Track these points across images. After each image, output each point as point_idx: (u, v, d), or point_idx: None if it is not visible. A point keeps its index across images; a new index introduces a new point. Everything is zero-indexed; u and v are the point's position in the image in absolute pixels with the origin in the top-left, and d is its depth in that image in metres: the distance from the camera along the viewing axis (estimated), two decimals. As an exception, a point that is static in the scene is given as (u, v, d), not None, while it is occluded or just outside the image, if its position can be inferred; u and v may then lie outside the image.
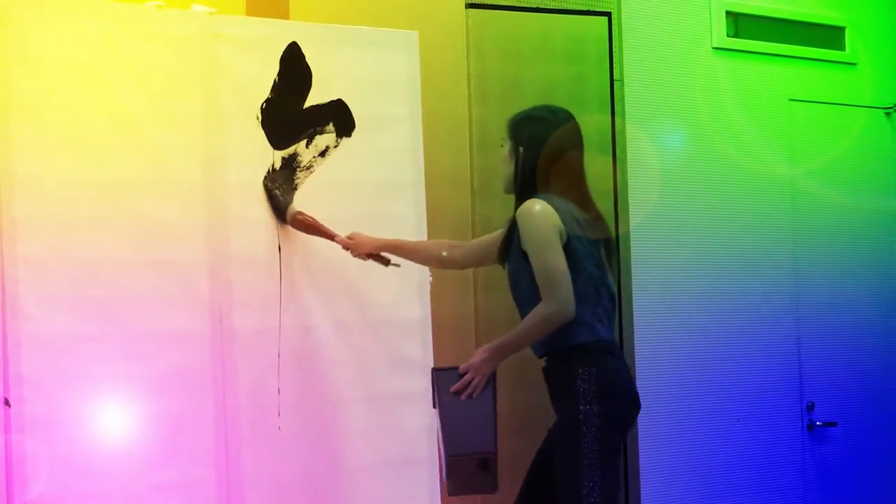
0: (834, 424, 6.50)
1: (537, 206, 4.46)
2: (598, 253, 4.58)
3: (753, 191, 6.35)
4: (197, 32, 4.50)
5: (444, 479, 4.50)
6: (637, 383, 5.47)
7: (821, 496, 6.43)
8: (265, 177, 4.60)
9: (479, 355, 4.50)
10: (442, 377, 4.51)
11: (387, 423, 4.76)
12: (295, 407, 4.58)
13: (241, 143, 4.57)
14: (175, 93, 4.43)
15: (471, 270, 5.44)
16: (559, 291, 4.39)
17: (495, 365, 4.52)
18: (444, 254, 4.84)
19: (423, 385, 4.68)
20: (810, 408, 6.46)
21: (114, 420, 4.23)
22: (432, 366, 4.74)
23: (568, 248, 4.46)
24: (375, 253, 4.74)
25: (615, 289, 4.68)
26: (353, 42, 4.85)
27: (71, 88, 4.23)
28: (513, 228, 4.55)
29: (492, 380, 4.52)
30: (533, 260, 4.45)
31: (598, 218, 4.65)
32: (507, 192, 4.73)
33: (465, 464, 4.45)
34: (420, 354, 4.84)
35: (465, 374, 4.49)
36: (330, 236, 4.69)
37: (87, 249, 4.21)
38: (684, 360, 6.05)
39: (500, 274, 4.79)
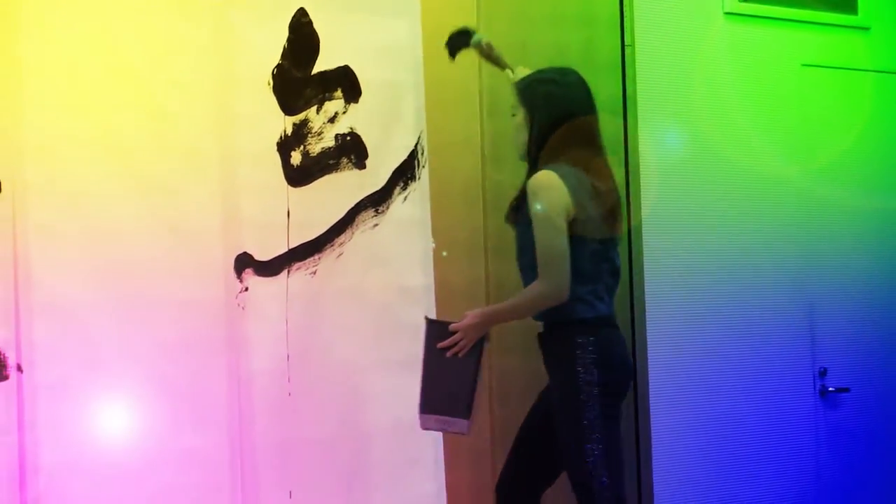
0: (846, 390, 6.52)
1: (547, 180, 4.50)
2: (605, 226, 4.61)
3: (766, 156, 6.32)
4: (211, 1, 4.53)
5: (418, 415, 4.60)
6: (649, 353, 5.55)
7: (833, 459, 6.43)
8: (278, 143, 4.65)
9: (470, 318, 4.58)
10: (434, 328, 4.60)
11: (392, 388, 4.78)
12: (303, 372, 4.62)
13: (253, 108, 4.60)
14: (186, 59, 4.46)
15: (481, 237, 5.46)
16: (555, 274, 4.47)
17: (484, 330, 4.60)
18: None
19: None
20: (822, 374, 6.47)
21: (126, 386, 4.27)
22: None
23: (574, 223, 4.50)
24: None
25: (620, 261, 4.73)
26: (357, 8, 4.87)
27: (82, 54, 4.25)
28: (524, 195, 4.59)
29: (479, 344, 4.60)
30: (536, 235, 4.50)
31: (610, 189, 4.68)
32: (522, 159, 4.77)
33: (436, 421, 4.59)
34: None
35: (455, 332, 4.57)
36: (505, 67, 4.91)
37: (98, 216, 4.24)
38: (696, 330, 6.06)
39: (510, 240, 4.83)
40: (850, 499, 6.45)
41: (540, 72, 4.81)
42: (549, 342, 4.65)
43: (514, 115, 4.77)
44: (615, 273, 4.70)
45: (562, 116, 4.64)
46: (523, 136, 4.72)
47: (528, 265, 4.60)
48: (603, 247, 4.61)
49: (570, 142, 4.61)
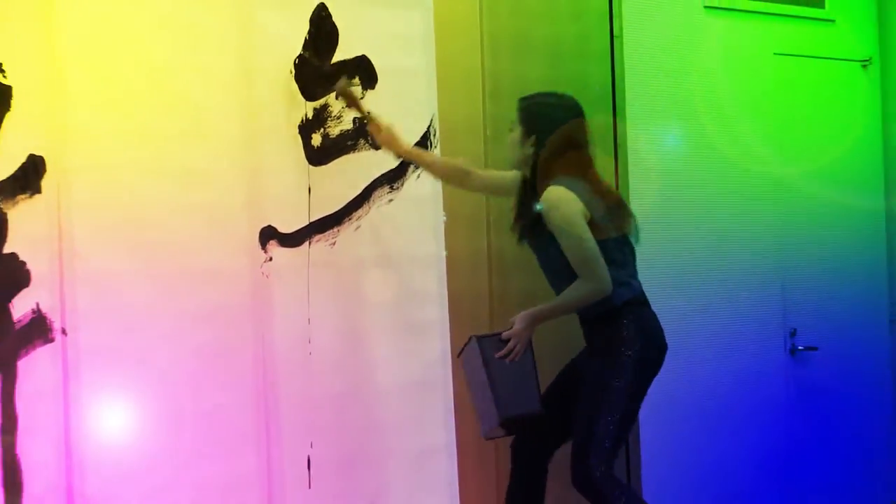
0: (815, 349, 6.50)
1: (559, 196, 4.51)
2: (615, 218, 4.63)
3: (742, 138, 6.28)
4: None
5: (487, 432, 4.59)
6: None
7: (801, 410, 6.40)
8: (299, 125, 4.58)
9: (519, 322, 4.57)
10: (485, 343, 4.57)
11: (405, 351, 4.76)
12: (323, 335, 4.56)
13: (276, 95, 4.54)
14: (215, 51, 4.39)
15: (484, 210, 5.39)
16: (597, 272, 4.47)
17: (533, 331, 4.58)
18: (463, 167, 4.83)
19: (438, 315, 4.77)
20: (793, 334, 6.44)
21: (160, 348, 4.22)
22: (446, 296, 4.79)
23: (592, 224, 4.49)
24: (400, 153, 4.69)
25: (635, 244, 4.77)
26: (373, 2, 4.81)
27: (116, 46, 4.18)
28: (537, 213, 4.58)
29: (529, 343, 4.58)
30: (564, 244, 4.51)
31: (608, 190, 4.72)
32: (513, 168, 4.77)
33: (515, 422, 4.56)
34: (436, 287, 4.82)
35: (508, 340, 4.54)
36: (363, 112, 4.65)
37: (133, 194, 4.18)
38: (681, 298, 6.03)
39: (509, 212, 4.84)
40: (817, 446, 6.44)
41: (540, 94, 4.81)
42: (597, 326, 4.63)
43: (511, 131, 4.77)
44: (634, 254, 4.75)
45: (562, 144, 4.63)
46: (517, 151, 4.72)
47: (558, 275, 4.61)
48: (622, 236, 4.65)
49: (568, 157, 4.62)
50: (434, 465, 4.83)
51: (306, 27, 4.61)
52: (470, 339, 4.61)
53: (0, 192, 3.93)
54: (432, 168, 4.77)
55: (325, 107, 4.65)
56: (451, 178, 4.85)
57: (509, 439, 4.82)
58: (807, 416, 6.41)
